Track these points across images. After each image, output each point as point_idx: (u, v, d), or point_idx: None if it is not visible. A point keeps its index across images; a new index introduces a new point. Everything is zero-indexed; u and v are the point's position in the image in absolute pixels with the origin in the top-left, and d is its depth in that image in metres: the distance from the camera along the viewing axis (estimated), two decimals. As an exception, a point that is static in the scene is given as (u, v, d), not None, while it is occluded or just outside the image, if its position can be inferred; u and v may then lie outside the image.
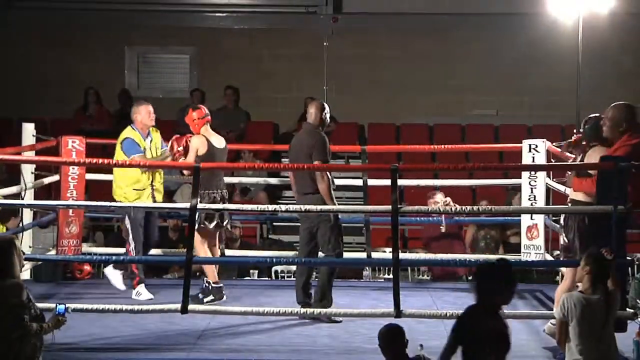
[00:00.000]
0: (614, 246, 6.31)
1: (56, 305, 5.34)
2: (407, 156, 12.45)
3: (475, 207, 7.60)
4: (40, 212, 9.29)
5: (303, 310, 7.45)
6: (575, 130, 9.65)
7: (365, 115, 13.94)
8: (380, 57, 14.44)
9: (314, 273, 7.99)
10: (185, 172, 8.24)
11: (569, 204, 7.02)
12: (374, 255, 8.96)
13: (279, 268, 9.79)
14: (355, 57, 14.45)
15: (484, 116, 14.31)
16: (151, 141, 8.34)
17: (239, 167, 10.66)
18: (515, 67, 14.06)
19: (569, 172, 7.22)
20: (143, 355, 6.66)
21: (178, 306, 6.89)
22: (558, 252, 7.11)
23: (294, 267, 9.72)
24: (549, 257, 8.63)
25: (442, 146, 10.18)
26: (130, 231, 8.26)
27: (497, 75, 14.22)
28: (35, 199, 8.73)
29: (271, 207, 7.84)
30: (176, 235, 10.04)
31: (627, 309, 6.70)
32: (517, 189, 9.42)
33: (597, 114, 6.94)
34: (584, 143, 6.98)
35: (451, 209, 8.37)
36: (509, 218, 9.29)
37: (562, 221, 6.96)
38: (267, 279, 9.75)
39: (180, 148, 8.12)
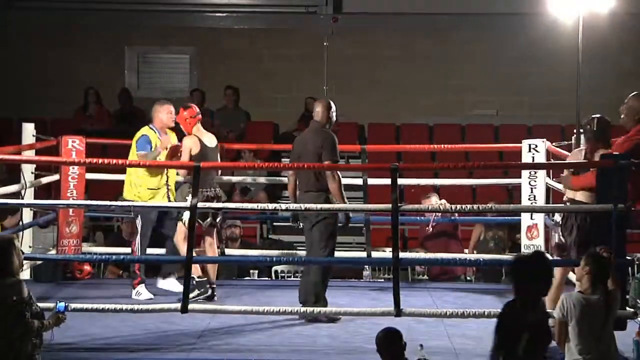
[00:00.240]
0: (614, 246, 6.31)
1: (56, 303, 5.36)
2: (407, 156, 12.45)
3: (475, 206, 7.57)
4: (40, 212, 9.29)
5: (303, 309, 7.45)
6: (575, 130, 9.67)
7: (365, 115, 13.94)
8: (380, 57, 14.44)
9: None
10: (180, 172, 8.20)
11: (567, 204, 7.02)
12: (374, 254, 8.95)
13: (279, 268, 9.79)
14: (355, 57, 14.45)
15: (484, 116, 14.31)
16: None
17: (239, 167, 10.66)
18: (515, 67, 14.07)
19: (563, 174, 7.22)
20: (143, 355, 6.66)
21: (178, 306, 6.90)
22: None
23: (294, 267, 9.76)
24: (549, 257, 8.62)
25: (442, 146, 10.18)
26: (139, 231, 8.26)
27: (497, 75, 14.23)
28: (35, 198, 8.73)
29: (271, 207, 7.84)
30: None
31: (627, 309, 6.71)
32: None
33: (598, 115, 6.96)
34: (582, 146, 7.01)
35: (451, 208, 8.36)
36: (515, 218, 9.26)
37: (557, 219, 6.96)
38: (267, 279, 9.75)
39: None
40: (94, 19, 14.45)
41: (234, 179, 10.77)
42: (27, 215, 8.91)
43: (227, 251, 9.06)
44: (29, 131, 8.95)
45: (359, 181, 9.21)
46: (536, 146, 8.73)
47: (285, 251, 9.52)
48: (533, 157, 8.68)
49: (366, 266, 9.61)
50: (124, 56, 14.80)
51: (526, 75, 14.13)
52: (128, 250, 9.04)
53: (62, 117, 13.44)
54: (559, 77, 13.21)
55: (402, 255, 7.10)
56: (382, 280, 9.78)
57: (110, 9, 14.49)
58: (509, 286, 9.20)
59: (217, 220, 8.24)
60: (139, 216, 8.27)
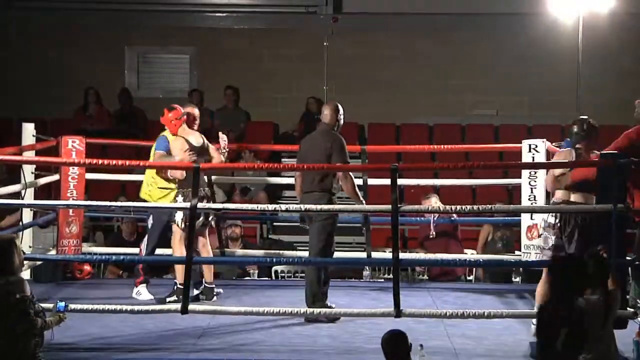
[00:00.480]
0: (614, 246, 6.31)
1: (56, 302, 5.38)
2: (407, 156, 12.45)
3: (475, 207, 7.57)
4: (40, 212, 9.29)
5: (303, 310, 7.45)
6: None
7: (365, 115, 13.94)
8: (380, 57, 14.44)
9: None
10: (172, 173, 8.16)
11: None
12: (374, 255, 8.95)
13: (279, 268, 9.79)
14: (355, 57, 14.44)
15: (484, 116, 14.31)
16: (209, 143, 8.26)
17: (239, 167, 10.66)
18: (515, 67, 14.07)
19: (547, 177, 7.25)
20: (143, 355, 6.66)
21: (178, 306, 6.90)
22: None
23: (294, 267, 9.76)
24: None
25: (442, 146, 10.18)
26: (148, 231, 8.26)
27: (497, 75, 14.23)
28: (35, 198, 8.73)
29: (271, 207, 7.84)
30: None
31: (627, 309, 6.71)
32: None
33: (584, 117, 7.02)
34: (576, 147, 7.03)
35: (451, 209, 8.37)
36: (515, 218, 9.25)
37: (551, 220, 6.93)
38: (267, 279, 9.75)
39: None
40: (94, 19, 14.45)
41: (249, 179, 10.77)
42: (27, 215, 8.91)
43: (227, 251, 9.07)
44: (29, 131, 8.95)
45: (359, 181, 9.18)
46: (536, 146, 8.72)
47: (285, 251, 9.53)
48: (533, 157, 8.68)
49: (366, 266, 9.61)
50: (124, 56, 14.79)
51: (526, 75, 14.13)
52: (128, 250, 9.05)
53: (62, 117, 13.43)
54: (559, 77, 13.23)
55: (402, 255, 7.10)
56: (382, 280, 9.78)
57: (110, 9, 14.49)
58: (511, 286, 9.27)
59: (210, 220, 8.22)
60: (151, 216, 8.26)
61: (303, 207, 7.40)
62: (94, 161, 7.28)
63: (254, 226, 11.44)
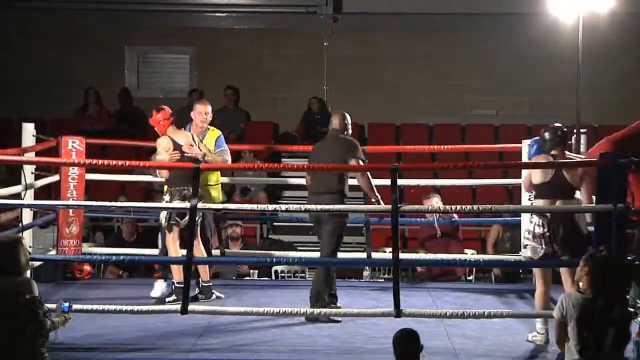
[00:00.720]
0: (614, 246, 6.31)
1: (60, 303, 5.38)
2: (407, 156, 12.45)
3: (475, 206, 7.57)
4: (40, 212, 9.29)
5: (303, 309, 7.45)
6: (575, 130, 9.67)
7: (365, 115, 13.95)
8: (380, 57, 14.45)
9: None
10: (160, 172, 8.15)
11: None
12: (374, 255, 8.95)
13: (279, 268, 9.79)
14: (355, 57, 14.45)
15: (484, 116, 14.31)
16: (200, 141, 8.28)
17: (239, 167, 10.65)
18: (515, 67, 14.07)
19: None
20: (143, 355, 6.67)
21: (178, 306, 6.89)
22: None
23: (294, 267, 9.77)
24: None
25: (442, 146, 10.19)
26: (161, 229, 8.28)
27: (497, 75, 14.23)
28: (35, 199, 8.73)
29: (271, 207, 7.84)
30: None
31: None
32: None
33: (559, 124, 7.06)
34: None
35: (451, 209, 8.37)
36: (515, 218, 9.21)
37: (538, 231, 6.91)
38: (267, 279, 9.75)
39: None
40: (94, 19, 14.45)
41: (253, 180, 10.75)
42: (27, 216, 8.91)
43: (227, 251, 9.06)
44: (29, 131, 8.94)
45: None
46: (536, 146, 8.71)
47: (285, 251, 9.53)
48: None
49: (366, 266, 9.61)
50: (124, 56, 14.80)
51: (526, 75, 14.14)
52: (128, 250, 9.05)
53: (62, 117, 13.43)
54: (559, 77, 13.22)
55: (402, 255, 7.10)
56: (382, 280, 9.78)
57: (110, 9, 14.50)
58: (511, 286, 9.26)
59: (197, 219, 8.16)
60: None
61: (303, 207, 7.40)
62: (94, 161, 7.28)
63: (254, 226, 11.44)
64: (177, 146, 7.98)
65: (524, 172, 7.25)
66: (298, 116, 13.65)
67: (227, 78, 13.91)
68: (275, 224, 11.79)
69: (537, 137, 7.47)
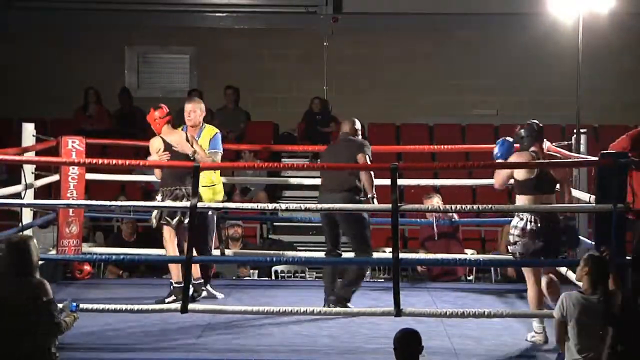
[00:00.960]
0: (614, 246, 6.31)
1: (69, 302, 5.39)
2: (407, 156, 12.45)
3: (475, 206, 7.56)
4: (40, 212, 9.29)
5: (303, 309, 7.44)
6: (575, 130, 9.67)
7: (365, 115, 13.93)
8: (380, 57, 14.45)
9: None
10: (155, 172, 8.14)
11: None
12: (374, 255, 8.94)
13: (279, 268, 9.79)
14: (355, 57, 14.45)
15: (484, 116, 14.31)
16: (195, 141, 8.23)
17: (239, 167, 10.66)
18: (515, 67, 14.07)
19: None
20: (143, 355, 6.66)
21: (178, 306, 6.89)
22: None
23: (294, 267, 9.77)
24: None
25: (442, 146, 10.18)
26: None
27: (497, 75, 14.23)
28: (35, 198, 8.72)
29: (271, 207, 7.83)
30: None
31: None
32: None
33: (534, 121, 7.14)
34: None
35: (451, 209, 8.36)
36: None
37: (528, 226, 6.93)
38: (267, 279, 9.75)
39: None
40: (94, 19, 14.45)
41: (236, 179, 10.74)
42: (27, 216, 8.91)
43: (227, 251, 9.05)
44: (29, 131, 8.93)
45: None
46: (536, 146, 8.69)
47: (285, 251, 9.52)
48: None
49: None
50: (124, 56, 14.80)
51: (526, 75, 14.14)
52: (128, 250, 9.05)
53: (62, 117, 13.44)
54: (559, 77, 13.22)
55: (402, 255, 7.10)
56: (382, 280, 9.78)
57: (110, 9, 14.50)
58: (511, 286, 9.25)
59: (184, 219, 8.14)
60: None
61: (303, 206, 7.42)
62: (94, 161, 7.28)
63: (254, 226, 11.44)
64: (168, 147, 7.95)
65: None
66: (298, 116, 13.65)
67: (227, 78, 13.91)
68: (275, 224, 11.79)
69: (505, 137, 7.51)
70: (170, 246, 7.94)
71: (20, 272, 5.14)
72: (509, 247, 7.06)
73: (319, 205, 7.31)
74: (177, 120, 8.52)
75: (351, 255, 8.06)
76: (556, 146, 8.67)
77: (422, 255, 9.37)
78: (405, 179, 9.75)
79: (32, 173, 8.73)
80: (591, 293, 5.44)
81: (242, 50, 14.53)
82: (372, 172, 7.80)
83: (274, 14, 14.75)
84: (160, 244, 8.39)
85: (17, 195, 8.27)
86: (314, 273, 10.20)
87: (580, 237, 7.45)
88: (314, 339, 7.07)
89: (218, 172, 8.39)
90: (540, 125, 7.18)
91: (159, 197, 7.93)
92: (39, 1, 14.59)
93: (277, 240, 10.96)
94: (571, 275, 7.87)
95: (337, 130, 13.17)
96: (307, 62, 14.46)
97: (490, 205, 8.53)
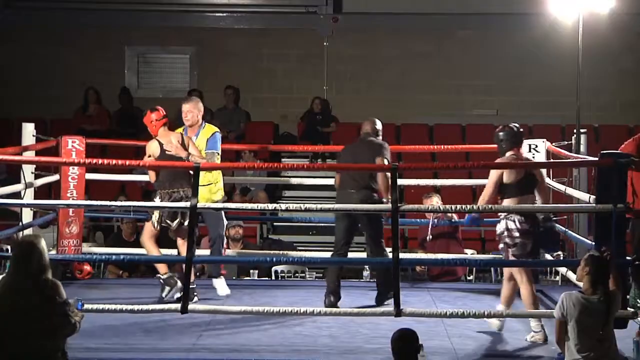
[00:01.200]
0: (614, 246, 6.31)
1: (77, 301, 5.39)
2: (407, 156, 12.46)
3: (474, 206, 7.56)
4: (40, 212, 9.29)
5: (303, 309, 7.44)
6: (575, 130, 9.67)
7: (365, 115, 13.91)
8: (380, 57, 14.46)
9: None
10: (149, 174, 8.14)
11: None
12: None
13: (279, 268, 9.79)
14: (355, 57, 14.46)
15: (484, 116, 14.31)
16: (192, 142, 8.23)
17: (239, 167, 10.66)
18: (515, 67, 14.09)
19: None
20: (143, 355, 6.66)
21: (178, 306, 6.89)
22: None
23: (294, 267, 9.77)
24: (548, 257, 8.62)
25: (442, 146, 10.18)
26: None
27: (497, 75, 14.24)
28: (35, 198, 8.72)
29: (271, 207, 7.83)
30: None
31: (628, 309, 6.71)
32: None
33: (515, 124, 7.19)
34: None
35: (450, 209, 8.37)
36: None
37: (524, 226, 6.96)
38: (267, 279, 9.75)
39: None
40: (94, 19, 14.46)
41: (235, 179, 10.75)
42: (27, 215, 8.91)
43: (228, 251, 9.05)
44: (29, 131, 8.94)
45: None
46: (536, 146, 8.71)
47: (285, 251, 9.52)
48: (533, 157, 8.67)
49: (366, 266, 9.61)
50: (124, 56, 14.81)
51: (526, 75, 14.15)
52: (128, 250, 9.05)
53: (62, 117, 13.45)
54: (559, 77, 13.22)
55: (402, 255, 7.10)
56: (382, 280, 9.76)
57: (110, 9, 14.51)
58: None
59: (186, 222, 8.12)
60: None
61: (303, 206, 7.42)
62: (94, 161, 7.28)
63: (254, 226, 11.44)
64: (164, 150, 7.93)
65: (493, 174, 7.26)
66: (298, 116, 13.66)
67: (227, 78, 13.92)
68: (275, 224, 11.80)
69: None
70: (149, 244, 7.94)
71: (34, 273, 5.14)
72: (509, 250, 7.04)
73: (319, 206, 7.31)
74: (177, 120, 8.52)
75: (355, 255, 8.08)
76: (556, 146, 8.68)
77: (422, 255, 9.37)
78: (405, 179, 9.75)
79: (32, 173, 8.73)
80: (591, 293, 5.44)
81: (242, 50, 14.53)
82: (389, 175, 7.77)
83: (274, 14, 14.76)
84: (160, 244, 8.40)
85: (17, 195, 8.27)
86: (314, 273, 10.21)
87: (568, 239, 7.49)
88: (314, 339, 7.07)
89: (215, 171, 8.37)
90: (521, 129, 7.23)
91: (157, 199, 7.93)
92: (39, 1, 14.61)
93: (277, 240, 10.96)
94: (571, 276, 7.88)
95: (337, 130, 13.31)
96: (307, 62, 14.47)
97: (490, 205, 8.54)
